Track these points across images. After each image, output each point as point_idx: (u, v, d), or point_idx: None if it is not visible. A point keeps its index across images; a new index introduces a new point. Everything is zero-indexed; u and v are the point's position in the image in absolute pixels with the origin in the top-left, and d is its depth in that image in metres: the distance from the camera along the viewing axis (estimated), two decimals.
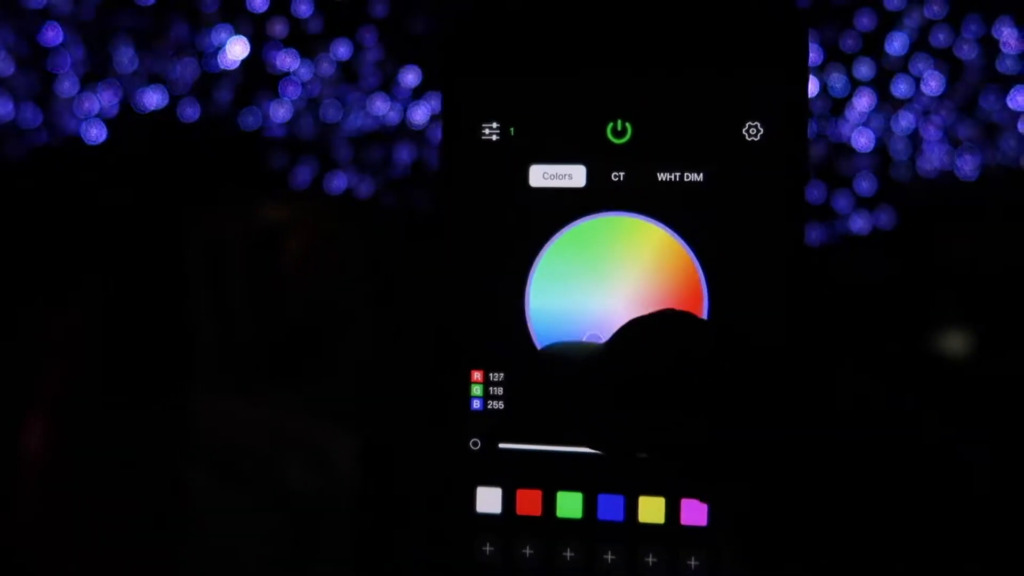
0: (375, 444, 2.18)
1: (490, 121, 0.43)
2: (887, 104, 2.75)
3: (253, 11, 2.54)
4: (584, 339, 0.41)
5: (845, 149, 3.24)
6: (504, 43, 0.42)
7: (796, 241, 0.37)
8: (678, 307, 0.38)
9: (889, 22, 2.27)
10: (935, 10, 2.20)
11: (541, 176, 0.43)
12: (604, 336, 0.38)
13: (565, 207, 0.43)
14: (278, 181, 3.86)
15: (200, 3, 2.51)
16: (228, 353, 2.99)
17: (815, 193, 3.49)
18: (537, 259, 0.43)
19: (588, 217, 0.43)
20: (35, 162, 3.56)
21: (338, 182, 3.92)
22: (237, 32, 2.74)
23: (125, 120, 3.47)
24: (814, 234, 4.02)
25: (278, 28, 2.65)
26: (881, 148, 3.16)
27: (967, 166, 3.11)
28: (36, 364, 3.34)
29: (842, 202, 3.80)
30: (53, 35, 2.94)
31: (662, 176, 0.41)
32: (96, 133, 3.57)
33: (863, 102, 2.81)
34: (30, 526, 2.56)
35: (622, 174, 0.42)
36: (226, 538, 2.32)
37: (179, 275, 2.85)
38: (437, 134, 3.56)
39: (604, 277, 0.41)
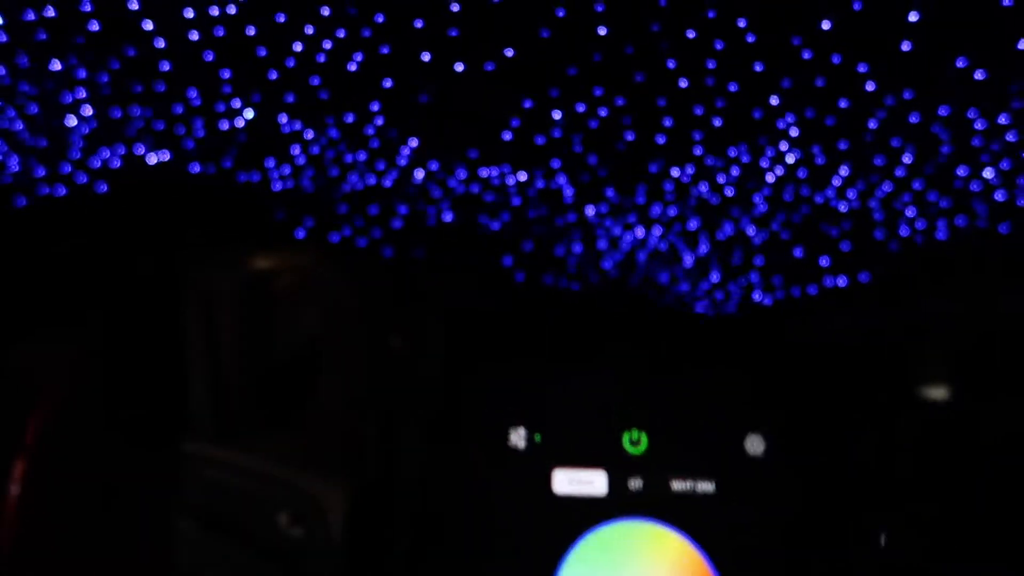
0: (367, 493, 2.24)
1: (517, 427, 0.51)
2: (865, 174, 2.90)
3: (266, 80, 2.66)
4: None
5: (829, 212, 3.39)
6: (526, 346, 0.50)
7: (803, 560, 0.46)
8: None
9: (868, 103, 2.43)
10: (909, 94, 2.36)
11: (566, 482, 0.50)
12: None
13: (587, 514, 0.51)
14: (277, 234, 3.96)
15: (215, 73, 2.63)
16: (220, 399, 3.04)
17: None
18: (561, 565, 0.50)
19: (609, 523, 0.50)
20: (40, 211, 3.64)
21: (334, 235, 4.02)
22: (248, 98, 2.85)
23: (131, 173, 3.57)
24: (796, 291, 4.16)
25: (289, 97, 2.76)
26: (863, 212, 3.32)
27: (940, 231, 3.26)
28: (26, 403, 3.39)
29: (824, 260, 3.95)
30: (68, 95, 3.05)
31: (676, 485, 0.49)
32: (101, 185, 3.67)
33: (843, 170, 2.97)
34: (10, 564, 2.61)
35: (640, 482, 0.50)
36: None
37: (174, 320, 2.93)
38: (435, 193, 3.69)
39: None
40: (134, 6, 2.20)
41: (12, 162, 3.38)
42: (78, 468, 3.17)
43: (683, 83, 2.28)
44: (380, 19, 2.13)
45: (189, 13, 2.15)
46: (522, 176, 3.21)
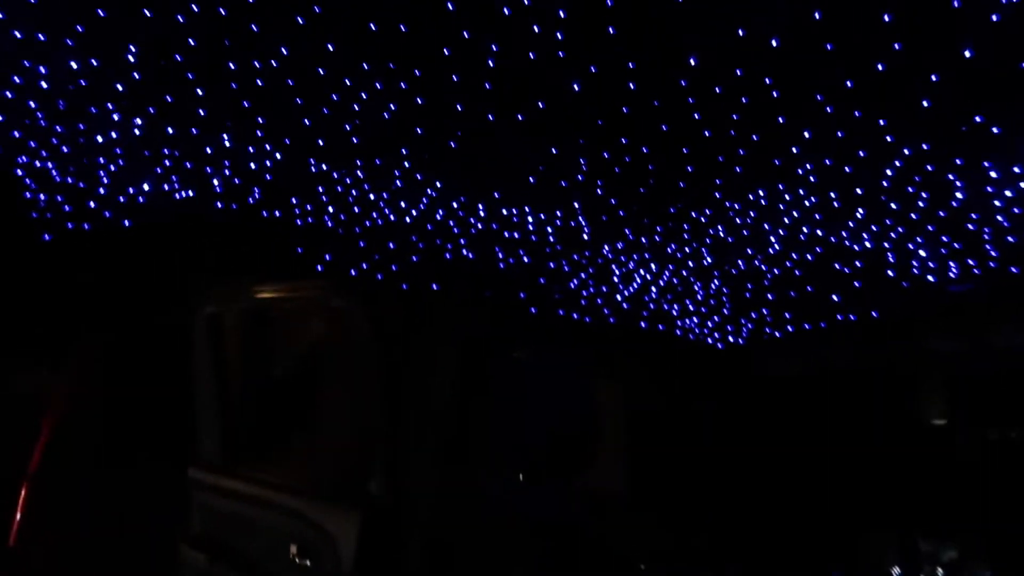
0: (376, 521, 2.24)
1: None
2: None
3: (300, 126, 2.73)
4: None
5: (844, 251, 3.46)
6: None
7: None
8: None
9: (886, 153, 2.51)
10: (926, 146, 2.44)
11: None
12: None
13: None
14: (297, 267, 4.02)
15: (251, 118, 2.70)
16: (227, 426, 3.04)
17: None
18: None
19: None
20: (67, 243, 3.70)
21: (352, 269, 4.08)
22: (279, 142, 2.93)
23: (156, 210, 3.64)
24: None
25: (320, 141, 2.84)
26: (878, 251, 3.39)
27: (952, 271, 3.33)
28: (34, 429, 3.39)
29: (836, 296, 4.01)
30: (102, 139, 3.12)
31: None
32: (125, 221, 3.73)
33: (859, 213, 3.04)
34: None
35: None
36: None
37: (184, 349, 2.96)
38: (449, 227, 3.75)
39: None
40: (178, 57, 2.27)
41: (41, 199, 3.44)
42: (82, 495, 3.18)
43: (707, 132, 2.35)
44: (417, 72, 2.21)
45: (232, 65, 2.22)
46: (542, 215, 3.28)
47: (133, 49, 2.31)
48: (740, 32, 1.92)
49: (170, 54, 2.26)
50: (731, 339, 5.00)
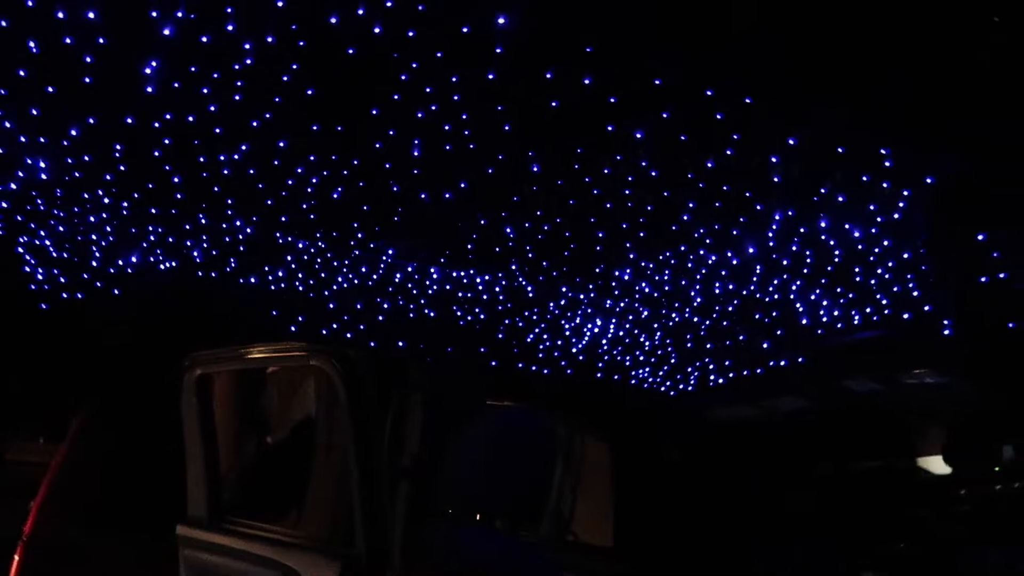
0: (355, 566, 2.42)
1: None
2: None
3: (264, 205, 3.17)
4: None
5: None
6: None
7: None
8: None
9: (762, 217, 2.92)
10: (792, 211, 2.86)
11: None
12: None
13: None
14: (272, 329, 4.38)
15: (222, 199, 3.14)
16: (213, 484, 3.24)
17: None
18: None
19: None
20: (64, 312, 4.07)
21: (323, 329, 4.45)
22: (248, 218, 3.36)
23: (142, 279, 4.04)
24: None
25: (283, 216, 3.27)
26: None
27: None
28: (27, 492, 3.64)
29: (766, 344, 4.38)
30: (94, 219, 3.55)
31: None
32: (115, 289, 4.13)
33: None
34: None
35: None
36: None
37: (173, 412, 3.22)
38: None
39: None
40: (157, 152, 2.72)
41: (38, 273, 3.86)
42: (76, 556, 3.39)
43: (608, 204, 2.78)
44: (356, 161, 2.65)
45: (202, 158, 2.67)
46: (487, 276, 3.69)
47: (119, 147, 2.75)
48: (610, 127, 2.37)
49: (150, 150, 2.71)
50: (681, 387, 5.34)
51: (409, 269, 3.97)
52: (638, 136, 2.41)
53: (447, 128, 2.43)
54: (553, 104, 2.35)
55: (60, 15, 2.06)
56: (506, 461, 1.61)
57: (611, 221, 2.98)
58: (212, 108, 2.42)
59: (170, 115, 2.46)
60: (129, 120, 2.49)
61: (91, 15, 2.06)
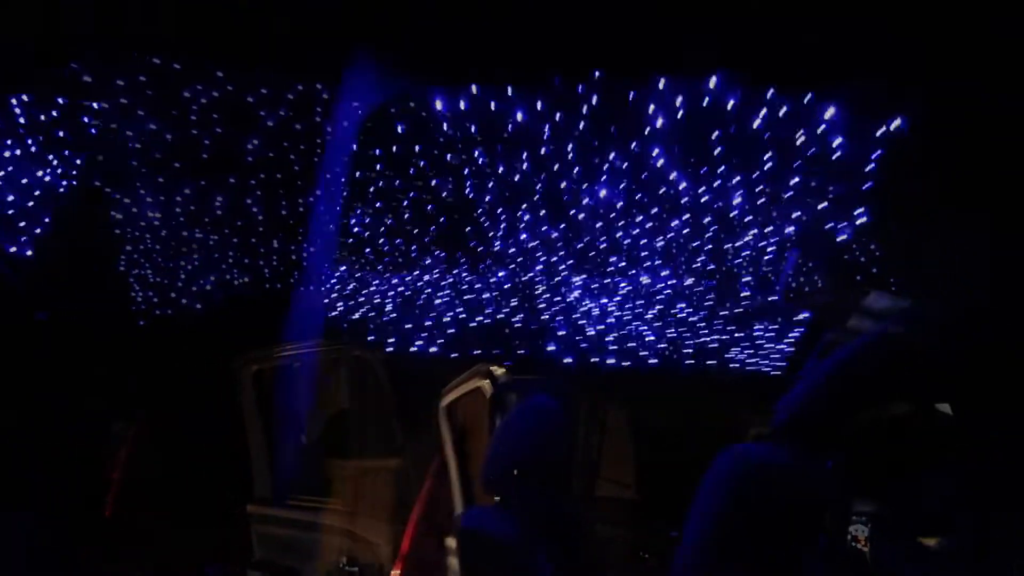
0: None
1: None
2: None
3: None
4: None
5: None
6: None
7: None
8: None
9: None
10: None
11: None
12: None
13: None
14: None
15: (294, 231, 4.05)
16: (275, 466, 3.69)
17: None
18: None
19: None
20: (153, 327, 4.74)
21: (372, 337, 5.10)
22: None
23: (219, 294, 4.69)
24: None
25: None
26: None
27: None
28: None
29: None
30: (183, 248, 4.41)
31: None
32: (197, 305, 4.85)
33: None
34: None
35: None
36: None
37: (234, 404, 3.78)
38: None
39: None
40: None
41: (138, 294, 4.66)
42: (153, 537, 3.80)
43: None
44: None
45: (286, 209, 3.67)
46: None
47: (219, 200, 3.67)
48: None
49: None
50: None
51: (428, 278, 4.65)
52: None
53: None
54: None
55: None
56: (541, 435, 1.65)
57: None
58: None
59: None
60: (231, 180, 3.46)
61: None
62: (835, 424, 0.94)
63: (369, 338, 4.42)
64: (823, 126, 2.45)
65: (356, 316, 4.71)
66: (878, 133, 2.41)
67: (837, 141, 2.50)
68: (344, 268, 4.39)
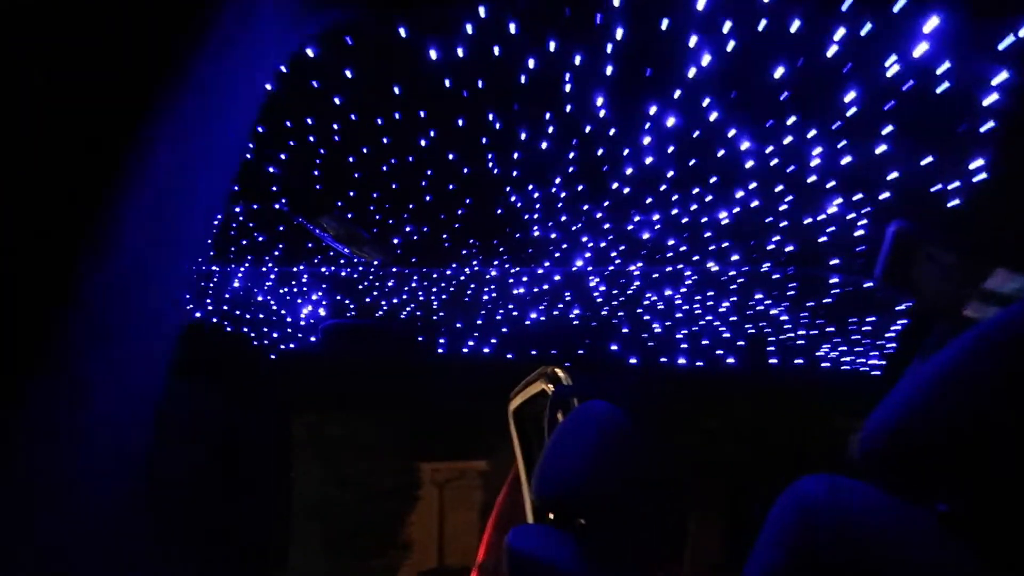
0: None
1: None
2: None
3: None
4: None
5: None
6: None
7: None
8: None
9: None
10: None
11: None
12: None
13: None
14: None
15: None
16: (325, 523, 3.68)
17: None
18: None
19: None
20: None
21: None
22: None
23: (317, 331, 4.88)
24: None
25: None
26: None
27: None
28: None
29: None
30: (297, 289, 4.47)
31: None
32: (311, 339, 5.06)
33: None
34: None
35: None
36: None
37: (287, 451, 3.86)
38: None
39: None
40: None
41: (266, 334, 4.81)
42: None
43: None
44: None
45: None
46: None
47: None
48: None
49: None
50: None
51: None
52: None
53: None
54: None
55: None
56: (598, 447, 1.57)
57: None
58: None
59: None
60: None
61: None
62: (950, 453, 0.57)
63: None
64: (924, 45, 1.74)
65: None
66: (1002, 46, 1.66)
67: (943, 67, 1.80)
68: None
